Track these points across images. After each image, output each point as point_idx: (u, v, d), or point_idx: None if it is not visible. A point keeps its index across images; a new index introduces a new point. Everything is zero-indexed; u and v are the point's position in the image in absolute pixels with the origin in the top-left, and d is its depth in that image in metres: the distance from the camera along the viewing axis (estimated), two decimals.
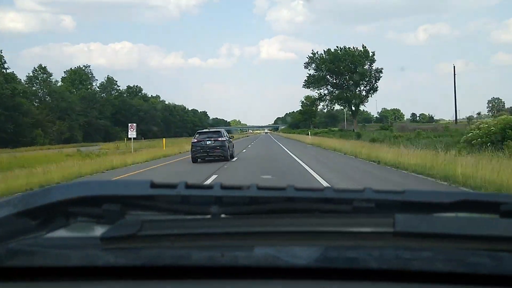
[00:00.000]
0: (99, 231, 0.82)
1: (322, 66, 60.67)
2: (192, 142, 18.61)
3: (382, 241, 0.78)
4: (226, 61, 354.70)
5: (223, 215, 0.84)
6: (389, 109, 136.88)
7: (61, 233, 0.88)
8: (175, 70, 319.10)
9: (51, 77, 73.08)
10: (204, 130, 19.84)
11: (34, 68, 72.09)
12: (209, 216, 0.83)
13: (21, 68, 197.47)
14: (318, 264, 0.76)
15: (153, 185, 0.84)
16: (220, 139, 18.12)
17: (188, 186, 0.84)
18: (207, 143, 17.87)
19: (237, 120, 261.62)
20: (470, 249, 0.76)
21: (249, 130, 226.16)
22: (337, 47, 60.85)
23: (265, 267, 0.76)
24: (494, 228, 0.77)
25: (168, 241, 0.80)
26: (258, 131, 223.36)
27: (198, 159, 18.21)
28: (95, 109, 76.29)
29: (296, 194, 0.83)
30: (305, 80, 62.28)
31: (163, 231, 0.81)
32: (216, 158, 17.98)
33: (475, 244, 0.76)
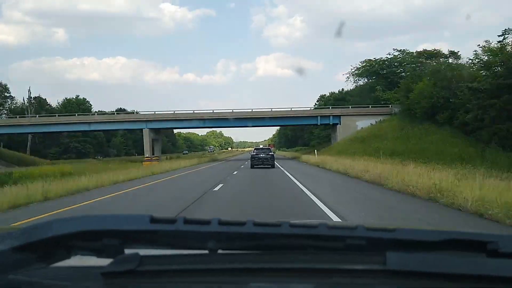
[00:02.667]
0: (99, 264, 0.83)
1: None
2: (251, 154, 29.13)
3: (374, 278, 0.81)
4: (221, 77, 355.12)
5: (220, 251, 0.86)
6: None
7: (61, 265, 0.89)
8: (169, 85, 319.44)
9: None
10: (260, 147, 34.56)
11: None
12: (206, 251, 0.85)
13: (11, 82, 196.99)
14: None
15: (153, 220, 0.86)
16: (269, 153, 28.24)
17: (186, 221, 0.86)
18: (261, 155, 27.74)
19: (228, 136, 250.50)
20: None
21: (229, 148, 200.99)
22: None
23: None
24: (481, 268, 0.80)
25: (166, 276, 0.82)
26: (248, 148, 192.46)
27: (255, 166, 27.02)
28: None
29: (291, 231, 0.85)
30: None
31: (162, 267, 0.83)
32: (267, 166, 26.82)
33: (464, 284, 0.79)
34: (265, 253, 0.85)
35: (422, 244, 0.85)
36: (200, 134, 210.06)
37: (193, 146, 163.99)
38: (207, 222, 0.87)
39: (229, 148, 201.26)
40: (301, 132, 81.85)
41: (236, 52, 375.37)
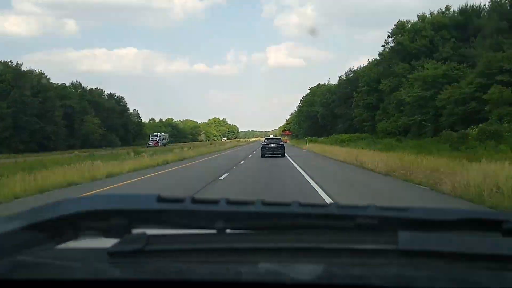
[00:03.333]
0: (106, 244, 0.83)
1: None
2: (262, 144, 30.67)
3: (385, 258, 0.79)
4: (232, 67, 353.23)
5: (228, 230, 0.85)
6: None
7: (69, 246, 0.89)
8: (180, 76, 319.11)
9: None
10: (271, 137, 37.04)
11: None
12: (214, 231, 0.84)
13: None
14: (321, 280, 0.77)
15: (160, 199, 0.85)
16: (280, 143, 30.08)
17: (194, 201, 0.85)
18: (272, 145, 29.55)
19: (233, 125, 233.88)
20: (474, 268, 0.76)
21: (223, 138, 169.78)
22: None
23: (269, 283, 0.77)
24: (496, 247, 0.78)
25: (173, 256, 0.81)
26: (255, 139, 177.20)
27: (265, 155, 28.38)
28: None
29: (301, 210, 0.84)
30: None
31: (169, 246, 0.82)
32: (277, 155, 28.04)
33: (478, 263, 0.77)
34: (274, 233, 0.84)
35: (435, 223, 0.83)
36: (199, 122, 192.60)
37: (180, 135, 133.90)
38: (215, 202, 0.86)
39: (224, 139, 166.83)
40: (344, 109, 54.97)
41: (247, 42, 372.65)
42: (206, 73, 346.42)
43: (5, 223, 0.86)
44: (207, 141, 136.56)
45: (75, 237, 0.89)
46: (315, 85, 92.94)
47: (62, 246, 0.89)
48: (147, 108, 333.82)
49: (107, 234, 0.86)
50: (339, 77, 65.77)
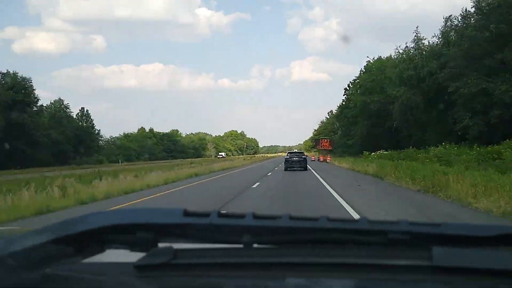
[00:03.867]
0: (133, 258, 0.83)
1: None
2: (285, 158, 31.53)
3: (419, 275, 0.76)
4: (257, 82, 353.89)
5: (255, 245, 0.83)
6: None
7: (96, 259, 0.89)
8: (205, 92, 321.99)
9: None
10: (294, 151, 38.00)
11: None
12: (241, 246, 0.83)
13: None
14: None
15: (186, 214, 0.85)
16: (302, 157, 31.12)
17: (220, 215, 0.84)
18: (295, 159, 30.30)
19: (252, 138, 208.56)
20: (511, 285, 0.73)
21: (221, 154, 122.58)
22: None
23: None
24: None
25: (200, 270, 0.80)
26: (277, 154, 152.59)
27: (288, 169, 28.86)
28: None
29: (329, 225, 0.81)
30: None
31: (196, 260, 0.81)
32: (300, 169, 28.64)
33: None
34: (301, 248, 0.82)
35: (470, 239, 0.79)
36: (213, 135, 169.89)
37: (177, 150, 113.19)
38: (241, 216, 0.85)
39: (222, 154, 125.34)
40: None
41: (271, 56, 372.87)
42: (230, 87, 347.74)
43: (33, 236, 0.87)
44: (215, 157, 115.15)
45: (101, 250, 0.89)
46: (372, 58, 49.58)
47: (89, 259, 0.89)
48: (167, 122, 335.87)
49: (133, 248, 0.86)
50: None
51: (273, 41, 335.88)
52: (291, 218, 0.83)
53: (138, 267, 0.80)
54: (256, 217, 0.84)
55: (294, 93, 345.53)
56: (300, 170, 28.29)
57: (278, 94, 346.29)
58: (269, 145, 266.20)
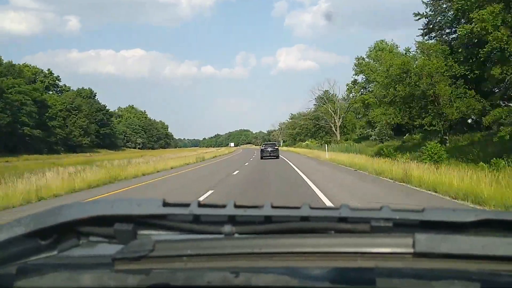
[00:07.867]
0: (111, 251, 0.80)
1: None
2: (261, 148, 37.44)
3: (402, 261, 0.76)
4: (241, 71, 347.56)
5: (236, 235, 0.82)
6: None
7: (72, 253, 0.86)
8: (188, 79, 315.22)
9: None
10: (268, 142, 41.63)
11: None
12: (222, 236, 0.81)
13: None
14: (335, 285, 0.74)
15: (166, 204, 0.82)
16: (275, 147, 36.02)
17: (201, 205, 0.82)
18: (269, 149, 35.09)
19: (242, 129, 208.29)
20: (493, 270, 0.73)
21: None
22: None
23: None
24: None
25: (181, 261, 0.78)
26: (233, 147, 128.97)
27: (264, 157, 33.64)
28: None
29: (311, 213, 0.81)
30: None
31: (176, 252, 0.79)
32: (273, 157, 33.48)
33: (498, 265, 0.74)
34: (283, 237, 0.81)
35: (452, 225, 0.80)
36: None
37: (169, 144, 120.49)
38: (222, 206, 0.83)
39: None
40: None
41: (256, 43, 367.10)
42: (214, 75, 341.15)
43: (6, 230, 0.83)
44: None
45: (77, 243, 0.86)
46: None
47: (65, 253, 0.86)
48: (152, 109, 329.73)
49: (111, 240, 0.83)
50: None
51: (259, 26, 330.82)
52: (273, 207, 0.82)
53: (116, 259, 0.77)
54: (237, 206, 0.82)
55: (280, 82, 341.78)
56: (273, 158, 33.93)
57: (263, 83, 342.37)
58: (234, 130, 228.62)
